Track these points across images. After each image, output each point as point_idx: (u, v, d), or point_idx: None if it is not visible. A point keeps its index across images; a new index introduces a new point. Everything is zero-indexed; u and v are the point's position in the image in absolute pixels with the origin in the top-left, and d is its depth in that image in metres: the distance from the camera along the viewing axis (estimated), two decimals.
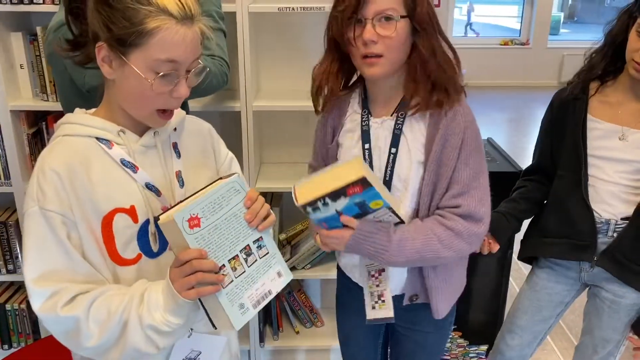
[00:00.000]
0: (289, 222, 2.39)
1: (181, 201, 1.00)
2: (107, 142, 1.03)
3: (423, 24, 1.20)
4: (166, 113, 1.04)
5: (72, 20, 1.04)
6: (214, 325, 1.02)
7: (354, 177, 1.09)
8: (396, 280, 1.37)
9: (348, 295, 1.54)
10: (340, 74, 1.31)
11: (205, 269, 0.96)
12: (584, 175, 1.53)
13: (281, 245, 2.37)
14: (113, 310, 0.98)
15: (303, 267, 2.29)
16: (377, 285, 1.34)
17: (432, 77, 1.22)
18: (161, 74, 0.96)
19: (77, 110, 1.09)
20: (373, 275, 1.35)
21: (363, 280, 1.37)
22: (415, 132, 1.27)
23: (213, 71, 1.67)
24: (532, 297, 1.73)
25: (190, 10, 0.97)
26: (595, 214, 1.53)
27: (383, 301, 1.35)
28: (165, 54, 0.95)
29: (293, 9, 1.94)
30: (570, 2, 9.42)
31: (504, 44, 8.11)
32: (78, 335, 0.98)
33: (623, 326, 1.61)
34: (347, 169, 1.15)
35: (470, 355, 2.24)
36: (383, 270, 1.34)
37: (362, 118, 1.32)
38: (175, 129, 1.13)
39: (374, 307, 1.36)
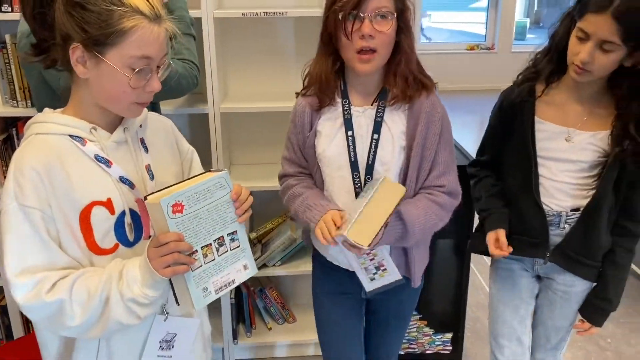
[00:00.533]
0: (259, 221, 2.46)
1: (171, 186, 1.09)
2: (81, 140, 1.08)
3: (407, 24, 1.35)
4: (141, 105, 1.11)
5: (37, 26, 1.08)
6: (177, 301, 1.09)
7: (399, 197, 1.31)
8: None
9: (329, 282, 1.63)
10: (334, 67, 1.41)
11: (182, 250, 1.04)
12: (534, 176, 1.56)
13: (252, 244, 2.43)
14: (93, 290, 1.04)
15: (274, 265, 2.36)
16: (372, 259, 1.46)
17: (411, 71, 1.38)
18: (137, 69, 1.03)
19: (45, 110, 1.13)
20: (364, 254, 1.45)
21: (352, 260, 1.47)
22: (396, 119, 1.41)
23: (184, 74, 1.74)
24: (506, 299, 1.74)
25: (158, 10, 1.05)
26: (546, 207, 1.57)
27: (384, 269, 1.48)
28: (141, 51, 1.03)
29: (257, 13, 2.02)
30: (536, 8, 9.69)
31: (470, 49, 8.29)
32: (62, 317, 1.04)
33: (573, 313, 1.68)
34: (385, 192, 1.30)
35: (436, 343, 2.33)
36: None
37: (343, 107, 1.42)
38: (140, 126, 1.19)
39: (372, 279, 1.49)
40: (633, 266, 3.13)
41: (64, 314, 1.04)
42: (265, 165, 2.41)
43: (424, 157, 1.42)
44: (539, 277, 1.72)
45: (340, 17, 1.30)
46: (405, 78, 1.38)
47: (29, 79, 1.80)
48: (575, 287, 1.65)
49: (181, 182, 1.12)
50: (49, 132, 1.08)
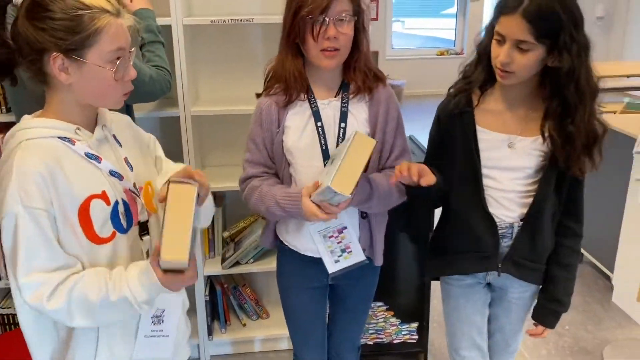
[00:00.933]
0: (231, 220, 2.54)
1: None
2: (69, 140, 1.16)
3: (363, 25, 1.50)
4: (125, 95, 1.22)
5: None
6: None
7: (371, 145, 1.41)
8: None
9: (294, 273, 1.74)
10: (302, 64, 1.54)
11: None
12: (481, 186, 1.55)
13: (225, 243, 2.52)
14: (93, 297, 1.13)
15: (247, 262, 2.44)
16: (339, 242, 1.60)
17: (368, 66, 1.54)
18: (117, 62, 1.13)
19: (25, 117, 1.20)
20: (331, 237, 1.60)
21: (319, 243, 1.60)
22: (359, 109, 1.57)
23: (157, 79, 1.83)
24: (461, 314, 1.74)
25: (117, 4, 1.15)
26: (497, 219, 1.56)
27: (350, 252, 1.61)
28: (115, 44, 1.13)
29: (225, 20, 2.12)
30: None
31: (441, 54, 8.51)
32: (63, 320, 1.15)
33: (525, 315, 1.71)
34: (358, 145, 1.40)
35: (403, 332, 2.44)
36: (345, 227, 1.60)
37: (310, 101, 1.55)
38: (110, 124, 1.28)
39: (337, 261, 1.61)
40: (588, 255, 3.29)
41: (64, 319, 1.14)
42: (237, 166, 2.46)
43: (385, 141, 1.59)
44: (489, 284, 1.72)
45: (307, 21, 1.43)
46: (364, 72, 1.54)
47: (7, 87, 1.86)
48: (527, 292, 1.67)
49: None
50: (39, 136, 1.15)
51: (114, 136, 1.28)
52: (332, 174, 1.38)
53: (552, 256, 1.62)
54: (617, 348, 2.67)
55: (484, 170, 1.54)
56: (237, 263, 2.43)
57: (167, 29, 2.06)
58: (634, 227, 2.82)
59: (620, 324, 2.86)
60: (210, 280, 2.59)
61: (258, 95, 1.63)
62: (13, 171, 1.09)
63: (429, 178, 1.44)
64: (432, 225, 2.08)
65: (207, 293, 2.48)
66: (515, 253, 1.59)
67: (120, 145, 1.28)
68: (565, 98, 1.45)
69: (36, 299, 1.11)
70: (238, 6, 2.33)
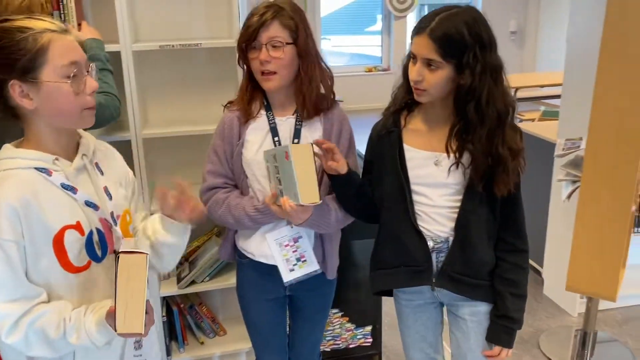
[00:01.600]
0: None
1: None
2: (46, 170, 1.19)
3: (304, 51, 1.60)
4: (91, 110, 1.24)
5: None
6: None
7: (309, 150, 1.51)
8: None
9: (254, 285, 1.81)
10: (249, 85, 1.67)
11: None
12: (409, 203, 1.58)
13: (179, 263, 2.54)
14: (52, 332, 1.17)
15: (202, 280, 2.48)
16: (294, 251, 1.68)
17: (316, 89, 1.64)
18: (72, 74, 1.16)
19: (5, 146, 1.22)
20: (287, 245, 1.68)
21: (275, 252, 1.67)
22: (313, 127, 1.68)
23: (106, 105, 1.86)
24: (412, 332, 1.77)
25: (61, 24, 1.19)
26: (431, 234, 1.59)
27: (304, 261, 1.70)
28: (67, 58, 1.16)
29: (173, 46, 2.18)
30: None
31: (369, 71, 8.83)
32: (24, 351, 1.18)
33: (485, 332, 1.67)
34: (299, 155, 1.48)
35: (358, 336, 2.55)
36: (300, 237, 1.68)
37: (268, 118, 1.66)
38: (93, 152, 1.31)
39: (292, 270, 1.69)
40: None
41: (22, 350, 1.18)
42: (189, 186, 2.54)
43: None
44: (442, 303, 1.74)
45: (243, 47, 1.57)
46: (310, 96, 1.64)
47: None
48: (480, 307, 1.64)
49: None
50: (18, 167, 1.17)
51: (97, 164, 1.31)
52: (295, 193, 1.48)
53: (495, 271, 1.62)
54: (551, 335, 2.90)
55: (414, 187, 1.59)
56: (193, 282, 2.46)
57: (117, 55, 2.10)
58: (559, 224, 3.10)
59: (552, 313, 3.11)
60: (167, 301, 2.60)
61: (224, 107, 1.74)
62: None
63: (337, 165, 1.55)
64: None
65: (164, 314, 2.49)
66: (449, 268, 1.60)
67: (102, 173, 1.31)
68: (466, 116, 1.49)
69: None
70: (182, 31, 2.39)
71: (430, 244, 1.60)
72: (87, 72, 1.21)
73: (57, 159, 1.21)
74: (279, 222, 1.69)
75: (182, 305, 2.62)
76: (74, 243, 1.20)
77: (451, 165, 1.55)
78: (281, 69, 1.58)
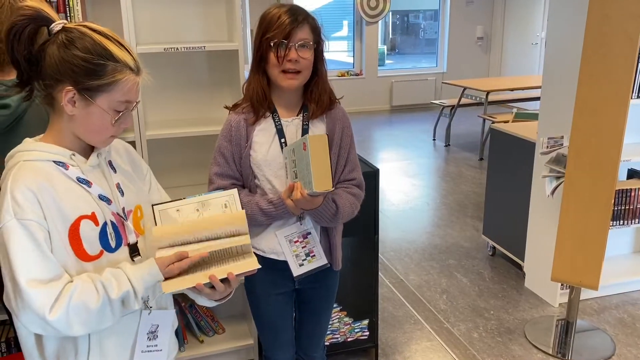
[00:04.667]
0: None
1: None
2: (63, 164, 1.24)
3: (322, 54, 1.69)
4: (115, 137, 1.31)
5: (26, 65, 1.21)
6: None
7: (325, 140, 1.56)
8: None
9: (263, 281, 1.85)
10: (266, 83, 1.70)
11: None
12: None
13: None
14: (92, 304, 1.19)
15: None
16: (304, 247, 1.74)
17: (326, 90, 1.72)
18: (121, 112, 1.23)
19: (26, 140, 1.27)
20: (296, 241, 1.74)
21: (285, 248, 1.73)
22: (318, 126, 1.74)
23: None
24: None
25: (139, 63, 1.26)
26: None
27: (313, 256, 1.76)
28: (125, 97, 1.23)
29: (177, 48, 2.23)
30: (391, 36, 10.63)
31: (341, 76, 8.96)
32: (66, 331, 1.20)
33: None
34: (315, 145, 1.55)
35: (356, 330, 2.63)
36: (309, 233, 1.74)
37: (274, 119, 1.71)
38: (108, 150, 1.36)
39: (301, 265, 1.75)
40: (501, 248, 3.70)
41: (64, 329, 1.19)
42: (186, 187, 2.58)
43: (340, 155, 1.76)
44: None
45: (272, 44, 1.61)
46: (321, 96, 1.72)
47: None
48: None
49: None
50: (36, 159, 1.22)
51: (110, 162, 1.36)
52: (310, 181, 1.55)
53: None
54: (534, 324, 3.05)
55: None
56: None
57: None
58: (540, 220, 3.25)
59: (534, 304, 3.26)
60: None
61: (228, 109, 1.78)
62: (8, 188, 1.17)
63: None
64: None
65: None
66: None
67: (115, 171, 1.36)
68: None
69: (39, 310, 1.15)
70: (180, 34, 2.45)
71: None
72: (133, 108, 1.28)
73: (74, 154, 1.26)
74: (289, 219, 1.75)
75: (183, 304, 2.65)
76: (89, 232, 1.25)
77: None
78: (305, 70, 1.65)
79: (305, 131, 1.73)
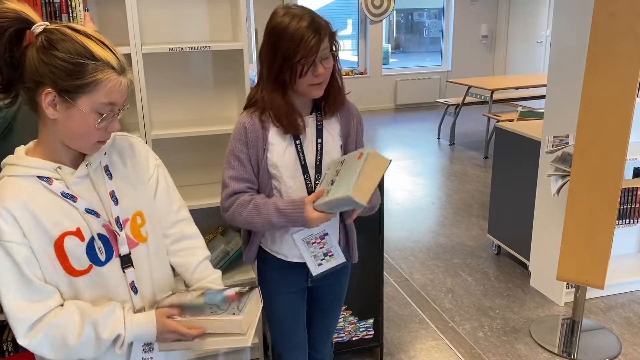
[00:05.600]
0: None
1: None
2: (47, 179, 1.21)
3: (337, 57, 1.68)
4: (103, 142, 1.26)
5: (7, 68, 1.18)
6: None
7: (386, 163, 1.56)
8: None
9: (276, 280, 1.86)
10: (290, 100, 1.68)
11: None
12: None
13: None
14: (72, 341, 1.20)
15: None
16: (321, 247, 1.76)
17: (340, 90, 1.72)
18: (104, 115, 1.18)
19: (17, 149, 1.25)
20: (314, 243, 1.75)
21: (303, 250, 1.75)
22: (332, 124, 1.75)
23: None
24: None
25: (124, 63, 1.21)
26: None
27: (331, 255, 1.77)
28: (108, 98, 1.18)
29: (182, 48, 2.23)
30: (395, 35, 10.62)
31: (346, 74, 8.94)
32: (37, 353, 1.21)
33: None
34: (373, 162, 1.54)
35: (361, 329, 2.63)
36: (327, 234, 1.76)
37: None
38: (105, 153, 1.32)
39: (320, 264, 1.76)
40: (506, 247, 3.70)
41: (38, 354, 1.21)
42: (191, 186, 2.59)
43: (357, 149, 1.77)
44: None
45: (299, 64, 1.57)
46: (336, 96, 1.71)
47: None
48: None
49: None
50: (19, 174, 1.20)
51: (106, 167, 1.31)
52: (349, 184, 1.50)
53: None
54: (540, 323, 3.04)
55: None
56: None
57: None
58: (545, 219, 3.24)
59: (540, 303, 3.25)
60: None
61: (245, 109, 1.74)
62: None
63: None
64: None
65: None
66: None
67: (111, 177, 1.32)
68: None
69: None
70: (185, 34, 2.45)
71: None
72: (119, 112, 1.22)
73: (59, 167, 1.23)
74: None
75: None
76: (75, 248, 1.22)
77: None
78: (328, 76, 1.65)
79: (319, 131, 1.71)
